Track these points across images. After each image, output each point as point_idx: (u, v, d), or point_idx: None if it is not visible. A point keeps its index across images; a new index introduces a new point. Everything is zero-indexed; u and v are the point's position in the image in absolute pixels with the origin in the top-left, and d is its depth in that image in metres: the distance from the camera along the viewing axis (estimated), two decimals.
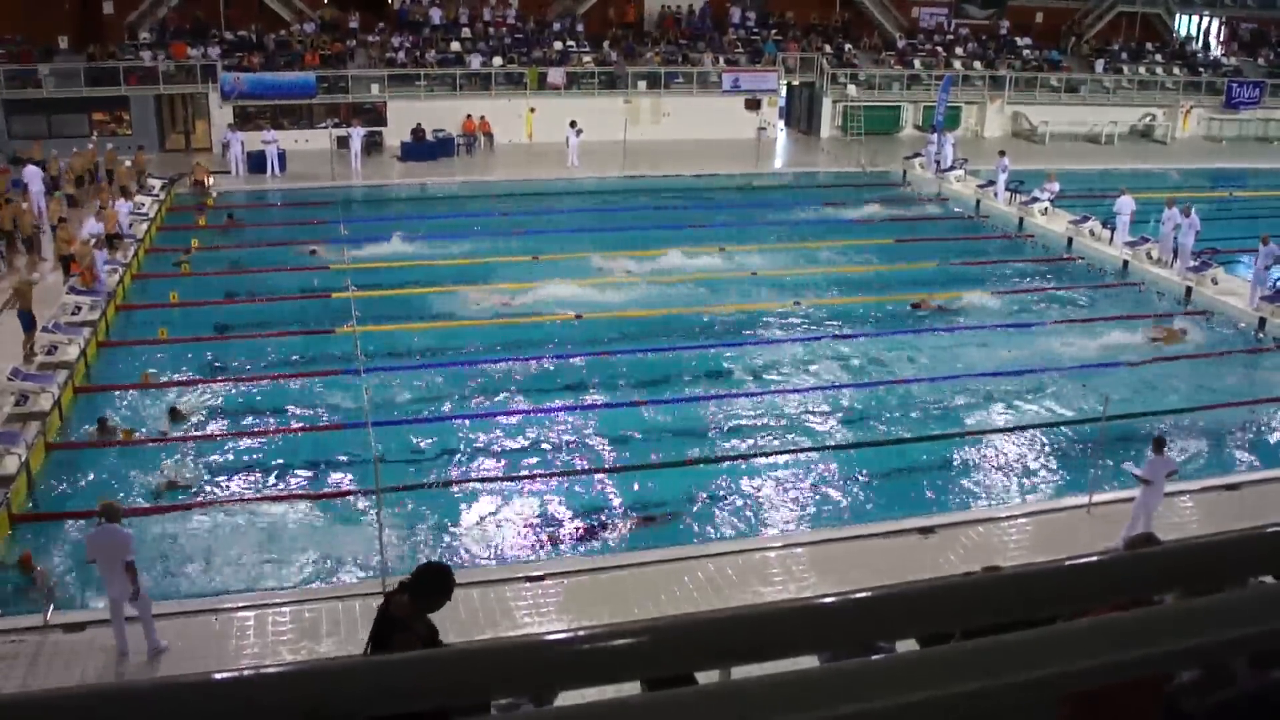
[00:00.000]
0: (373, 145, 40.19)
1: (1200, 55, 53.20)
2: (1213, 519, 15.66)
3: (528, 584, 13.84)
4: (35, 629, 12.69)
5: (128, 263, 26.46)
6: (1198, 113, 48.99)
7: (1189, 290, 26.76)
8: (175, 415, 18.82)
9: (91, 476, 17.00)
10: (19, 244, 26.42)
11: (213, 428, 18.89)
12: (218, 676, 1.70)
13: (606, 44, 45.28)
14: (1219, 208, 34.71)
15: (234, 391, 20.42)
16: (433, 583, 7.08)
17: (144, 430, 18.53)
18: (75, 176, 32.36)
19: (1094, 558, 2.05)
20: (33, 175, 30.40)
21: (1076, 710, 2.06)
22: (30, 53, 38.84)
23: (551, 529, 15.92)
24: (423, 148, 39.80)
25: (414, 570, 7.28)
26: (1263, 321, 24.60)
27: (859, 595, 1.89)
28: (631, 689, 1.82)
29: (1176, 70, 50.20)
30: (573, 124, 38.56)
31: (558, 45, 44.71)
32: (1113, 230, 30.25)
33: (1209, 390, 21.23)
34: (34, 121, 37.62)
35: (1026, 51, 50.05)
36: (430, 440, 18.54)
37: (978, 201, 35.57)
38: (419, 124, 40.06)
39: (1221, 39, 55.95)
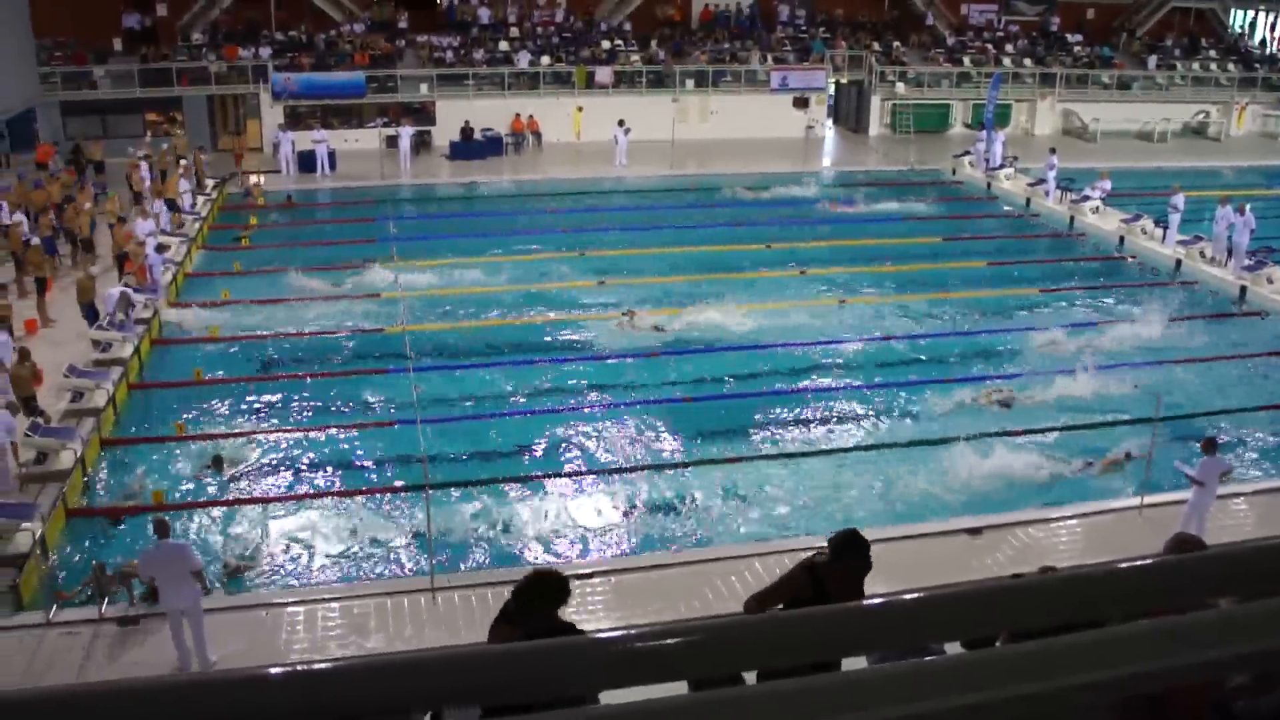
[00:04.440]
0: (422, 144, 40.48)
1: (1256, 51, 52.43)
2: (1267, 522, 15.44)
3: (576, 581, 13.83)
4: (91, 621, 12.89)
5: (180, 261, 26.80)
6: (1253, 109, 48.29)
7: (1244, 290, 26.39)
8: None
9: (144, 472, 17.23)
10: (79, 243, 26.79)
11: (263, 425, 19.07)
12: (245, 674, 1.71)
13: (654, 43, 45.30)
14: (1273, 206, 34.12)
15: (284, 389, 20.61)
16: (857, 548, 6.98)
17: (199, 425, 18.77)
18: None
19: (1147, 560, 2.03)
20: (146, 170, 31.92)
21: (1127, 714, 2.05)
22: (85, 55, 39.45)
23: (600, 526, 15.95)
24: (471, 147, 40.01)
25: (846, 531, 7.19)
26: None
27: (908, 596, 1.89)
28: (678, 688, 1.83)
29: (1231, 66, 49.48)
30: (621, 123, 38.63)
31: (605, 44, 44.78)
32: (1165, 229, 29.89)
33: (1265, 389, 21.00)
34: (89, 122, 38.25)
35: (1077, 48, 49.54)
36: (479, 438, 18.64)
37: (1028, 200, 35.28)
38: (467, 123, 40.28)
39: (1278, 34, 55.08)
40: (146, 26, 41.97)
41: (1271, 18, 55.25)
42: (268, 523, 15.82)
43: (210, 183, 34.47)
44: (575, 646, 1.79)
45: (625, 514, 16.31)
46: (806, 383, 21.14)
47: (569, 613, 13.04)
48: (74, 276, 23.64)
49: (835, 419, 19.45)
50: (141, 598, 13.25)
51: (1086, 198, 33.01)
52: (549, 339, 23.12)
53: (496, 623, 6.87)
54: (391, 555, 15.13)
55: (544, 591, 6.78)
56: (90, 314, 21.66)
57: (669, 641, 1.72)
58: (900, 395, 20.36)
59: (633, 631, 1.73)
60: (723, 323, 23.77)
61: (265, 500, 16.44)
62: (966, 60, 47.45)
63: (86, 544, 15.30)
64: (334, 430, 18.88)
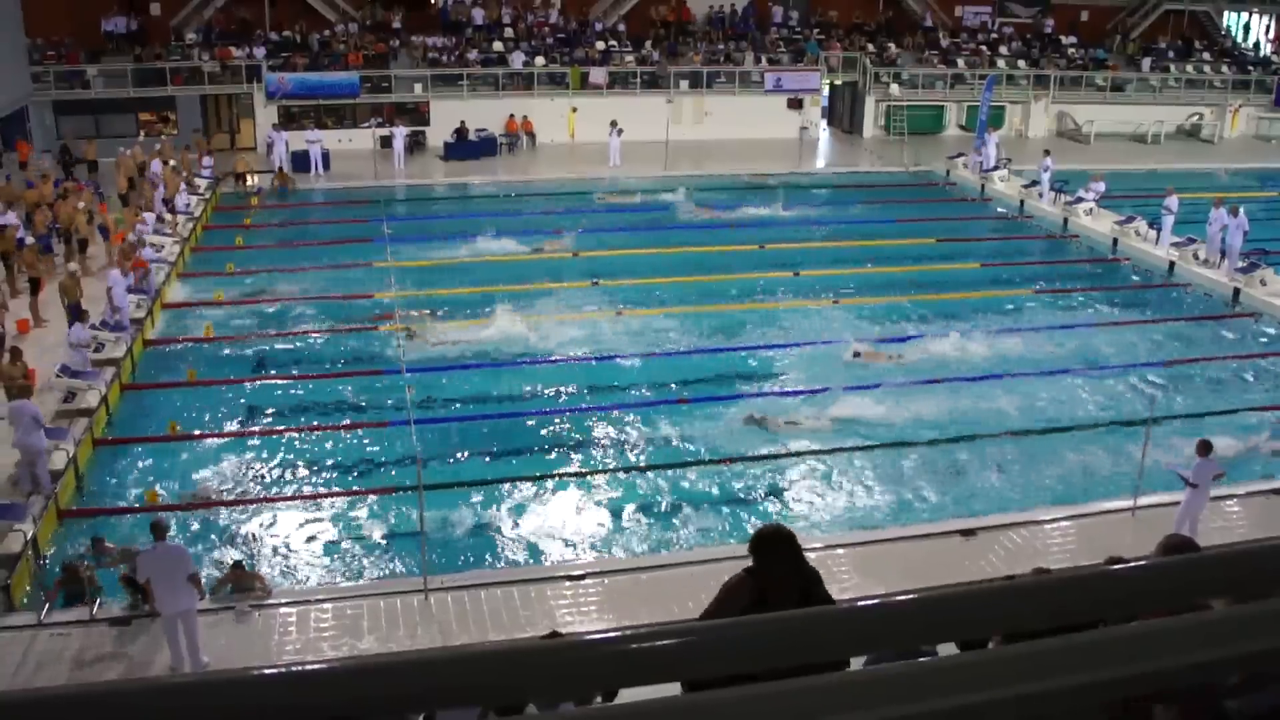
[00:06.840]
0: (416, 145, 40.44)
1: (1249, 53, 52.51)
2: (1260, 524, 15.46)
3: (568, 583, 13.87)
4: (81, 623, 12.87)
5: (174, 261, 26.73)
6: (1246, 111, 48.35)
7: (1237, 292, 26.42)
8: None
9: (137, 473, 17.21)
10: (76, 242, 26.65)
11: (255, 425, 19.06)
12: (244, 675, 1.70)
13: (648, 44, 45.28)
14: (1266, 208, 34.13)
15: (276, 391, 20.60)
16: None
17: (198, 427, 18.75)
18: (129, 177, 32.58)
19: (1141, 562, 2.03)
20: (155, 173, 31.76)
21: (1121, 715, 2.05)
22: (77, 54, 39.34)
23: (591, 528, 15.95)
24: (465, 147, 39.96)
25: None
26: None
27: (902, 598, 1.89)
28: (672, 689, 1.82)
29: (1225, 69, 49.55)
30: (614, 124, 38.63)
31: (600, 45, 44.76)
32: (1158, 231, 29.91)
33: (1257, 391, 21.07)
34: (82, 122, 38.11)
35: (1072, 50, 49.56)
36: (472, 438, 18.62)
37: (1021, 202, 35.25)
38: (462, 123, 40.24)
39: (1271, 37, 55.17)
40: (132, 30, 41.71)
41: (1265, 20, 55.36)
42: (260, 524, 15.79)
43: (202, 183, 34.37)
44: (571, 648, 1.79)
45: (618, 515, 16.30)
46: (800, 384, 21.16)
47: (564, 616, 13.11)
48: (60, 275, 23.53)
49: (836, 421, 19.45)
50: (129, 606, 13.22)
51: (1080, 200, 33.01)
52: (542, 339, 23.05)
53: (737, 576, 6.23)
54: (384, 556, 15.12)
55: (777, 543, 6.16)
56: (75, 314, 21.45)
57: (662, 643, 1.72)
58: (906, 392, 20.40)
59: (627, 633, 1.73)
60: (716, 322, 23.83)
61: (257, 501, 16.42)
62: (960, 62, 47.46)
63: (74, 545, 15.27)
64: (326, 431, 18.85)
